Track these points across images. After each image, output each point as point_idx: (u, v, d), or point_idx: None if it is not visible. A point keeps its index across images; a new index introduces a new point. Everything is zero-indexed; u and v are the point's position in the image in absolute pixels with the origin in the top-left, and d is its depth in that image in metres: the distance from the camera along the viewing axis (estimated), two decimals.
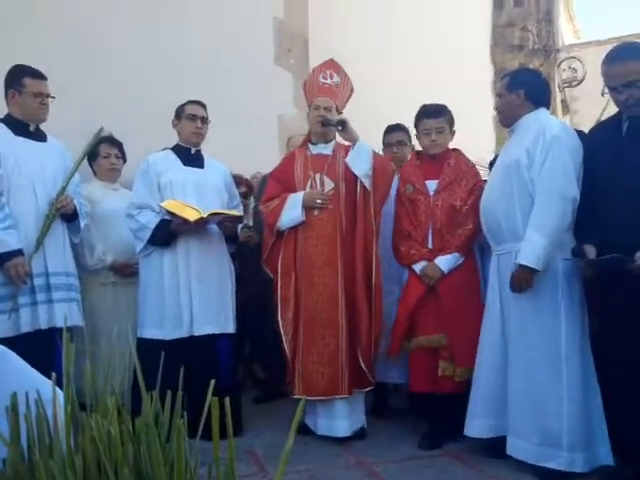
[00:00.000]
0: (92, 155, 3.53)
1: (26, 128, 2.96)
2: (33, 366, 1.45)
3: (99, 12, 4.05)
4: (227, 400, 1.00)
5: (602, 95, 2.55)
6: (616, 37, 10.10)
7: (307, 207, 3.14)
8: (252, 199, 4.25)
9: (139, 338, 3.09)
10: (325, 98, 3.22)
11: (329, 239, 3.11)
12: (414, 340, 3.00)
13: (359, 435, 3.10)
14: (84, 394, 1.21)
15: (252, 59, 5.16)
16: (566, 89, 10.69)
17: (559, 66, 10.01)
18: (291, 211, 3.14)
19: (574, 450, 2.44)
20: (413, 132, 3.32)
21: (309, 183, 3.21)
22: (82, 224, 3.11)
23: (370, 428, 3.19)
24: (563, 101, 10.86)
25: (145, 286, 3.16)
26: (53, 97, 2.99)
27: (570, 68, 10.16)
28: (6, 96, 2.96)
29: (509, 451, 2.60)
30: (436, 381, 2.94)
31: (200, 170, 3.30)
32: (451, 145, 3.22)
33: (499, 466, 2.62)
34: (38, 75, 2.95)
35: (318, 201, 3.13)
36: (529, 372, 2.55)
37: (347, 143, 3.19)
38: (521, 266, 2.50)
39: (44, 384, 1.27)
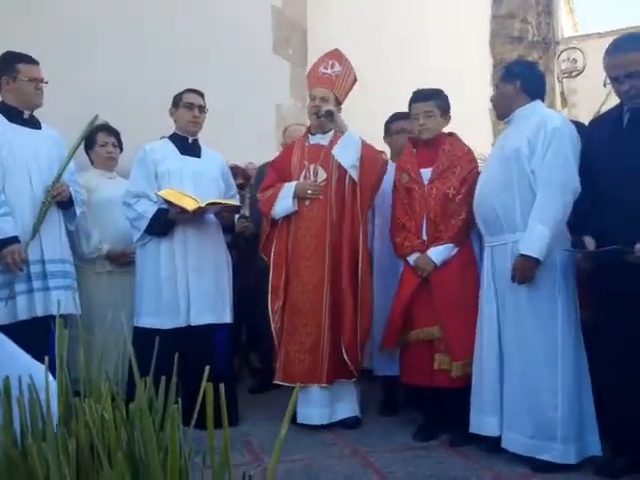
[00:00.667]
0: (89, 143, 3.52)
1: (20, 115, 2.94)
2: (29, 353, 1.45)
3: (99, 3, 4.02)
4: (222, 386, 1.00)
5: (604, 86, 2.54)
6: (616, 30, 10.07)
7: (299, 197, 3.15)
8: (248, 189, 4.24)
9: (135, 327, 3.09)
10: (322, 89, 3.21)
11: (318, 230, 3.13)
12: (412, 333, 2.97)
13: (352, 424, 3.11)
14: (77, 382, 1.21)
15: (250, 48, 5.13)
16: (564, 81, 10.64)
17: (559, 57, 9.96)
18: (283, 201, 3.17)
19: (568, 442, 2.45)
20: None
21: (303, 173, 3.22)
22: (78, 211, 3.10)
23: (366, 418, 3.20)
24: (562, 93, 10.82)
25: (142, 275, 3.16)
26: (46, 82, 2.97)
27: (570, 59, 10.12)
28: None
29: (504, 444, 2.59)
30: (432, 374, 2.91)
31: (197, 159, 3.29)
32: None
33: (494, 457, 2.63)
34: (31, 60, 2.93)
35: (309, 192, 3.15)
36: (524, 365, 2.54)
37: None
38: (523, 256, 2.49)
39: (39, 370, 1.27)
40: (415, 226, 3.02)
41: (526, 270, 2.50)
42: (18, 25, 3.47)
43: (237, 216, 3.48)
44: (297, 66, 5.60)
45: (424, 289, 2.96)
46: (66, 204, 3.02)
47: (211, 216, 3.22)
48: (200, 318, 3.09)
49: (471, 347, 2.78)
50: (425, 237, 3.00)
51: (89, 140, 3.47)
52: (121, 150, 3.66)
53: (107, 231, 3.41)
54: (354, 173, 3.08)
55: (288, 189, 3.18)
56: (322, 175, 3.19)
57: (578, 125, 2.77)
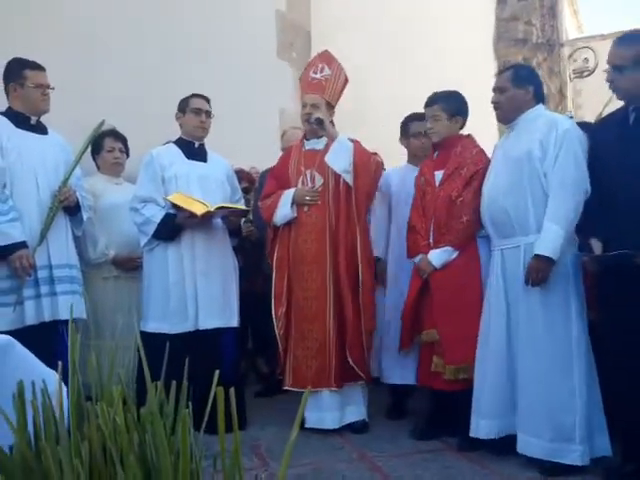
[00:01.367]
0: (96, 149, 3.53)
1: (27, 121, 2.96)
2: (37, 358, 1.46)
3: (100, 4, 4.04)
4: (232, 390, 1.00)
5: (607, 81, 2.53)
6: (620, 31, 10.01)
7: (297, 204, 3.18)
8: (253, 193, 4.25)
9: (142, 332, 3.09)
10: (312, 95, 3.23)
11: (318, 235, 3.15)
12: (421, 335, 3.02)
13: (360, 429, 3.11)
14: (89, 388, 1.21)
15: (254, 52, 5.14)
16: (572, 81, 10.59)
17: (571, 56, 9.92)
18: (283, 208, 3.19)
19: (585, 443, 2.44)
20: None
21: (300, 179, 3.24)
22: (84, 217, 3.11)
23: (373, 422, 3.19)
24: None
25: (149, 280, 3.17)
26: (53, 88, 2.99)
27: (583, 59, 10.09)
28: (6, 90, 2.95)
29: (520, 449, 2.56)
30: (430, 376, 2.95)
31: (203, 164, 3.30)
32: None
33: (502, 462, 2.61)
34: (38, 67, 2.95)
35: (307, 198, 3.17)
36: (539, 367, 2.52)
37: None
38: (538, 257, 2.48)
39: (49, 375, 1.27)
40: (424, 228, 3.05)
41: (541, 271, 2.49)
42: (18, 25, 3.48)
43: (243, 220, 3.49)
44: (301, 70, 5.60)
45: (426, 291, 2.99)
46: (73, 209, 3.03)
47: (218, 220, 3.23)
48: (208, 322, 3.10)
49: (467, 352, 2.75)
50: (432, 239, 3.02)
51: (96, 145, 3.48)
52: (127, 156, 3.68)
53: (113, 236, 3.42)
54: (348, 178, 3.10)
55: (287, 196, 3.20)
56: (319, 180, 3.21)
57: (585, 125, 2.76)
